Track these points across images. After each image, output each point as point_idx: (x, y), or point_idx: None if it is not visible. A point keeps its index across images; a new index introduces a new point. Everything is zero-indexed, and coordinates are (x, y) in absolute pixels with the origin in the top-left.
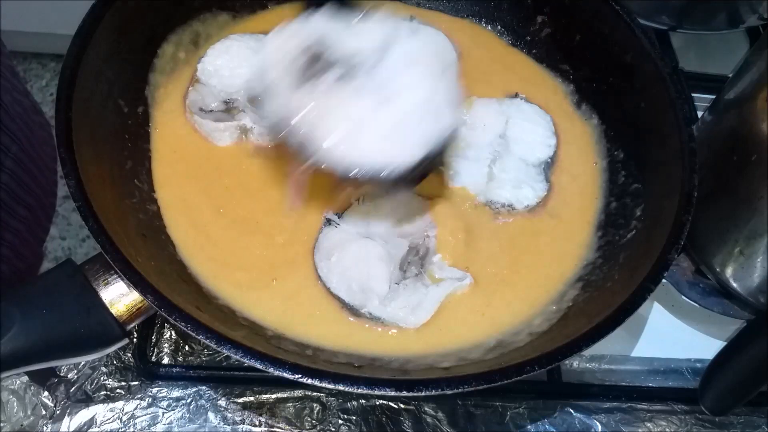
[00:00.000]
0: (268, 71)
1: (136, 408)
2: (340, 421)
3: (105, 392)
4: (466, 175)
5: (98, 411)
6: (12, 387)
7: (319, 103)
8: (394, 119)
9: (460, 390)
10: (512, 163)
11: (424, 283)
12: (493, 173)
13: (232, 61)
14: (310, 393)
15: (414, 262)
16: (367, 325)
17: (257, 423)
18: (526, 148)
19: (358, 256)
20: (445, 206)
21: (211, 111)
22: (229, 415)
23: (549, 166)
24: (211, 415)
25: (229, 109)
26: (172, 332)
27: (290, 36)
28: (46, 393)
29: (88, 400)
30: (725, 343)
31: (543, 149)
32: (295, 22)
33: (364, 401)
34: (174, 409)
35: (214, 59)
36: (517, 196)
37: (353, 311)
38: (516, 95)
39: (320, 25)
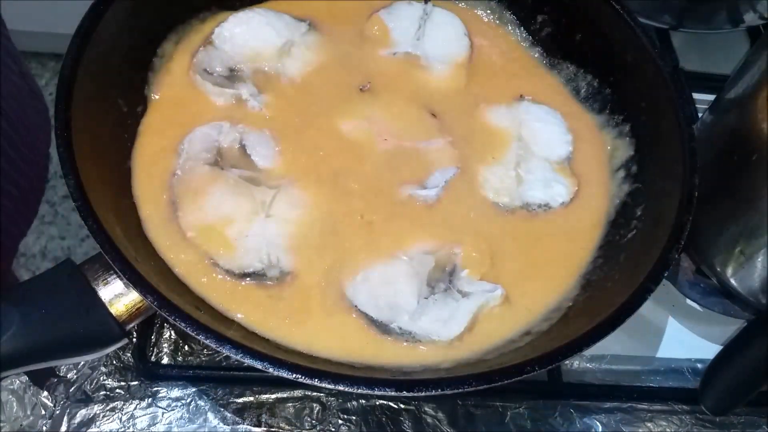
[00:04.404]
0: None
1: (135, 408)
2: (340, 421)
3: (104, 392)
4: (495, 180)
5: (98, 411)
6: (11, 387)
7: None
8: (261, 233)
9: (460, 390)
10: (536, 164)
11: (454, 297)
12: (521, 176)
13: (249, 32)
14: (309, 393)
15: (442, 279)
16: (396, 340)
17: (257, 423)
18: (545, 148)
19: (384, 273)
20: (465, 221)
21: (212, 74)
22: (229, 415)
23: (570, 162)
24: (210, 415)
25: (231, 77)
26: (172, 332)
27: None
28: (45, 393)
29: (87, 400)
30: (726, 343)
31: (562, 146)
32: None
33: (364, 401)
34: (173, 409)
35: (233, 26)
36: (551, 194)
37: (382, 327)
38: (521, 97)
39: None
